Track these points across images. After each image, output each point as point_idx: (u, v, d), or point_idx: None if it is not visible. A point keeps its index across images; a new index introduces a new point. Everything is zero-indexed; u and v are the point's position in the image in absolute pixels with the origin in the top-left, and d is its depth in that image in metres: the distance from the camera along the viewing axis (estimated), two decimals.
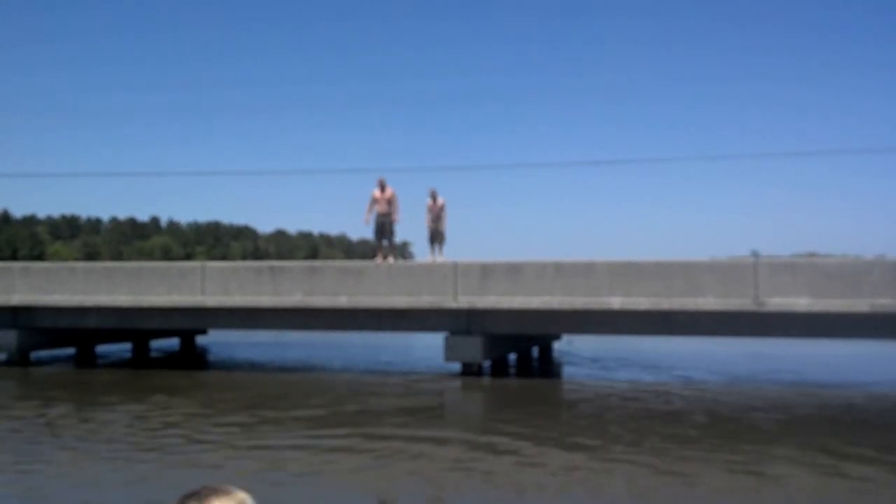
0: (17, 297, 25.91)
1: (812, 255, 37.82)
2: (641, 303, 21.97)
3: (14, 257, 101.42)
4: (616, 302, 22.12)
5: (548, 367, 27.57)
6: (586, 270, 22.63)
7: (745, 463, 12.76)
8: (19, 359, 25.98)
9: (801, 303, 21.07)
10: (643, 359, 27.43)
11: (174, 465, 12.59)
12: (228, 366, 27.88)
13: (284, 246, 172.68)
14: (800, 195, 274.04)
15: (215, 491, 2.04)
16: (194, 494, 2.02)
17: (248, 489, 2.09)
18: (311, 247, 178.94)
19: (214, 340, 34.41)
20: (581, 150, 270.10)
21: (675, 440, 14.47)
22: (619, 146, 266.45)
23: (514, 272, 23.06)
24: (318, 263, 27.05)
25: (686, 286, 21.76)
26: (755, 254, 23.44)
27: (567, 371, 26.31)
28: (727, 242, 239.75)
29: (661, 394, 20.43)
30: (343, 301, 23.82)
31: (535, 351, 29.09)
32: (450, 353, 23.51)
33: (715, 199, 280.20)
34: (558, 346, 30.36)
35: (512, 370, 25.89)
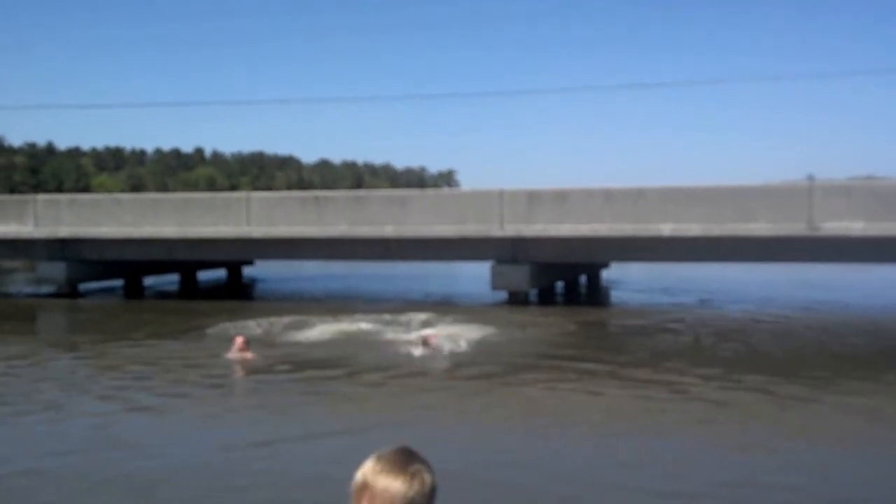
0: (65, 230, 26.08)
1: (869, 178, 36.74)
2: (692, 229, 21.48)
3: (60, 189, 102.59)
4: (666, 228, 21.66)
5: (596, 296, 27.28)
6: (636, 197, 22.15)
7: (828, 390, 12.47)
8: (68, 290, 26.25)
9: (857, 227, 20.46)
10: (694, 286, 27.00)
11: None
12: (276, 297, 27.99)
13: (329, 176, 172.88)
14: (859, 116, 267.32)
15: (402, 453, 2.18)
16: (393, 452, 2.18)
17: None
18: (356, 176, 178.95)
19: (262, 272, 34.55)
20: (630, 73, 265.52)
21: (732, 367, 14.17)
22: (668, 68, 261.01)
23: (561, 199, 22.65)
24: (362, 193, 26.90)
25: (738, 212, 21.21)
26: (810, 177, 22.71)
27: (616, 299, 26.01)
28: (782, 167, 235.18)
29: (711, 321, 20.09)
30: (388, 231, 23.61)
31: (584, 279, 28.77)
32: (496, 282, 23.30)
33: (770, 122, 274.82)
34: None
35: (559, 298, 25.65)
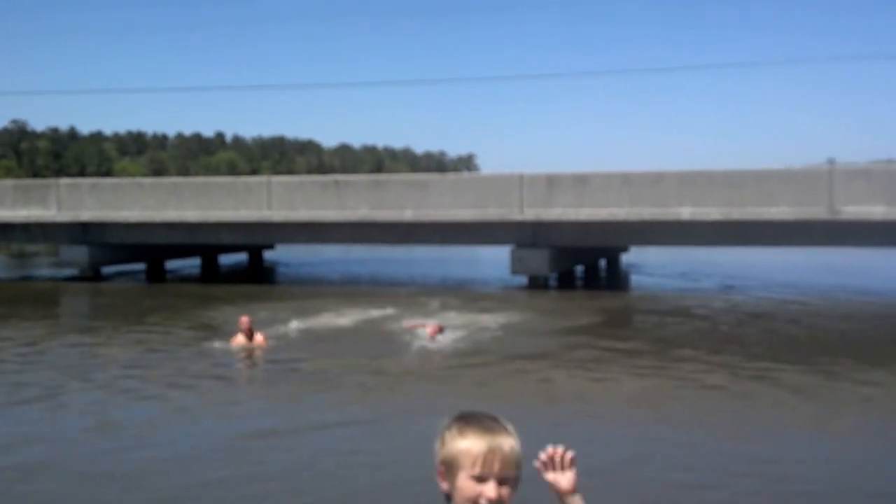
0: (87, 214, 26.31)
1: (890, 161, 36.47)
2: (712, 213, 21.44)
3: (82, 174, 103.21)
4: (685, 212, 21.63)
5: (615, 280, 27.28)
6: (655, 181, 22.12)
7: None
8: (91, 274, 26.52)
9: (878, 211, 20.37)
10: (714, 270, 26.94)
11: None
12: (295, 281, 28.17)
13: (349, 160, 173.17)
14: (880, 99, 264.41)
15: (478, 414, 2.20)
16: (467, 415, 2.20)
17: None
18: (376, 160, 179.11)
19: (283, 257, 34.75)
20: (652, 58, 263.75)
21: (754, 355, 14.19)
22: (688, 52, 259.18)
23: (580, 183, 22.64)
24: (382, 177, 26.95)
25: (758, 195, 21.15)
26: (831, 161, 22.64)
27: (635, 283, 26.00)
28: (802, 150, 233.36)
29: (732, 305, 20.08)
30: (408, 215, 23.68)
31: (603, 263, 28.77)
32: (516, 266, 23.34)
33: (790, 105, 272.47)
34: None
35: (579, 283, 25.66)
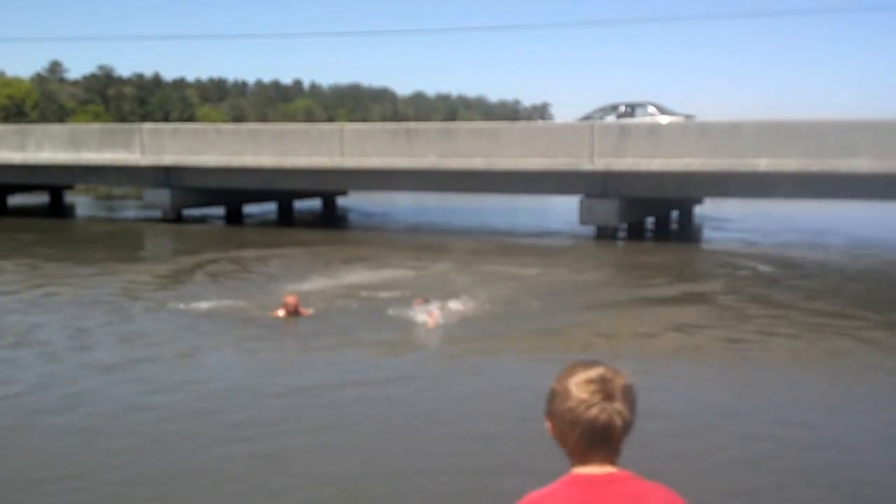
0: (169, 158, 27.01)
1: None
2: (790, 164, 20.94)
3: (166, 119, 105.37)
4: (763, 164, 21.17)
5: (688, 232, 26.95)
6: (731, 131, 21.68)
7: None
8: (173, 216, 27.33)
9: None
10: (790, 224, 26.45)
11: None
12: (365, 228, 28.55)
13: (423, 108, 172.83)
14: None
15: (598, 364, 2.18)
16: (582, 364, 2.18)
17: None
18: (450, 109, 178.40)
19: (356, 204, 35.18)
20: (731, 2, 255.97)
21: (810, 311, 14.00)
22: None
23: (653, 133, 22.33)
24: (452, 125, 26.95)
25: (840, 147, 20.56)
26: None
27: (708, 236, 25.67)
28: (886, 100, 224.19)
29: (805, 259, 19.76)
30: (478, 163, 23.69)
31: (676, 215, 28.44)
32: (585, 216, 23.23)
33: (874, 53, 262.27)
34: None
35: (649, 234, 25.43)
